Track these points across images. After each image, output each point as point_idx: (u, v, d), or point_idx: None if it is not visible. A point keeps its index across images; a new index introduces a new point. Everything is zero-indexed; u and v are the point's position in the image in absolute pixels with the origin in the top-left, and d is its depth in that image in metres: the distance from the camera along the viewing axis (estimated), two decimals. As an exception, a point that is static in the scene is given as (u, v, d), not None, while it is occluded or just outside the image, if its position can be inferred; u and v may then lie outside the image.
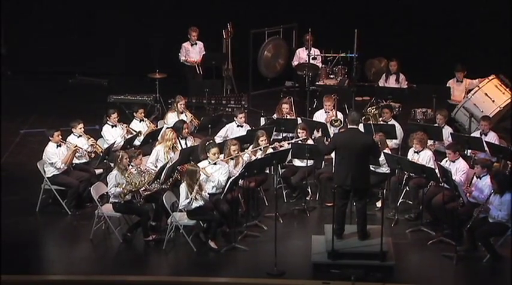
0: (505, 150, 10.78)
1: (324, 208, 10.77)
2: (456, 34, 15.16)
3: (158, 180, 10.15)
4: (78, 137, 11.04)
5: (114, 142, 11.22)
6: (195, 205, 9.74)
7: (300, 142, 10.81)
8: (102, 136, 11.55)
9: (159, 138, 11.08)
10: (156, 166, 10.52)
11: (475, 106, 12.35)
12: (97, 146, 11.07)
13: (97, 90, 15.39)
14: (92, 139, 11.09)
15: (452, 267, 9.34)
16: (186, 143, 11.10)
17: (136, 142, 11.38)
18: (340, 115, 12.09)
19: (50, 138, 10.76)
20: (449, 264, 9.38)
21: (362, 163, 9.36)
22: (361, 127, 10.93)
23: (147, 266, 9.69)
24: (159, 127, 11.81)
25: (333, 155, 10.02)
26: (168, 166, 10.20)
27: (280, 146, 10.83)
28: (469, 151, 11.09)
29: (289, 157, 10.78)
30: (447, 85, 12.95)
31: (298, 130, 11.02)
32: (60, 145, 10.75)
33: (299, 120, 11.82)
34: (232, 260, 9.64)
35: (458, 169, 10.09)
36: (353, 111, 10.13)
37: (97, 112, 12.97)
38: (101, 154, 10.91)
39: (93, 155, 11.08)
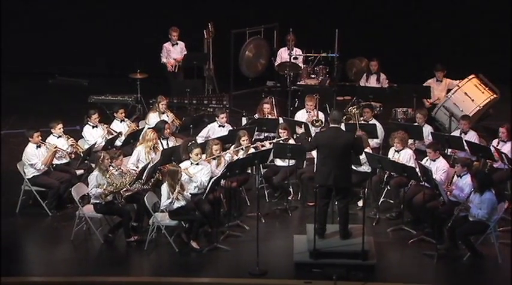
0: (484, 149, 10.87)
1: (306, 207, 10.79)
2: (436, 34, 15.26)
3: (140, 181, 10.12)
4: (57, 137, 10.97)
5: (95, 143, 11.16)
6: (176, 205, 9.72)
7: (281, 141, 10.83)
8: (82, 137, 11.49)
9: (140, 138, 11.04)
10: (137, 167, 10.49)
11: (455, 105, 12.43)
12: (77, 146, 11.01)
13: (77, 91, 15.30)
14: (72, 139, 11.03)
15: (433, 265, 9.40)
16: (167, 144, 11.07)
17: (118, 143, 11.33)
18: (321, 115, 12.12)
19: (30, 139, 10.69)
20: (430, 262, 9.43)
21: (344, 161, 9.38)
22: (342, 126, 10.96)
23: (129, 266, 9.66)
24: (140, 128, 11.77)
25: (314, 154, 10.06)
26: (149, 166, 10.17)
27: (262, 146, 10.84)
28: (449, 150, 11.16)
29: (271, 157, 10.79)
30: (425, 84, 13.03)
31: (280, 130, 11.03)
32: (40, 146, 10.68)
33: (280, 120, 11.84)
34: (214, 260, 9.63)
35: (438, 168, 10.15)
36: (334, 110, 10.17)
37: (78, 113, 12.90)
38: (82, 155, 10.85)
39: (73, 155, 11.01)
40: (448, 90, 12.87)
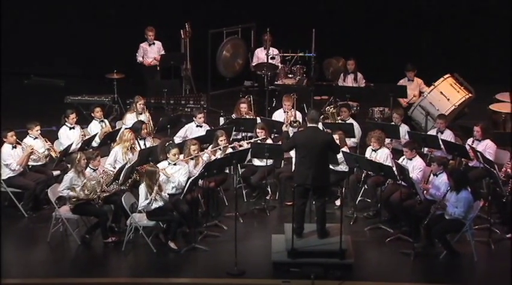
0: (460, 148, 10.96)
1: (284, 207, 10.82)
2: (412, 33, 15.35)
3: (117, 181, 10.07)
4: (34, 139, 10.89)
5: (72, 144, 11.07)
6: (154, 205, 9.69)
7: (259, 141, 10.84)
8: (58, 138, 11.41)
9: (117, 138, 10.98)
10: (114, 167, 10.44)
11: (431, 104, 12.53)
12: (53, 149, 10.91)
13: (53, 91, 15.19)
14: (49, 143, 10.92)
15: (409, 263, 9.47)
16: (145, 144, 11.03)
17: (94, 144, 11.25)
18: (299, 115, 12.16)
19: (4, 139, 10.59)
20: (407, 260, 9.50)
21: (322, 161, 9.41)
22: (320, 126, 11.00)
23: (106, 268, 9.61)
24: (117, 128, 11.71)
25: (292, 154, 10.09)
26: (126, 167, 10.13)
27: (240, 146, 10.84)
28: (426, 149, 11.25)
29: (249, 157, 10.80)
30: (398, 84, 13.12)
31: (257, 130, 11.05)
32: (15, 146, 10.59)
33: (258, 120, 11.86)
34: (193, 260, 9.62)
35: (415, 166, 10.23)
36: (312, 109, 10.21)
37: (54, 113, 12.80)
38: (57, 157, 10.75)
39: (49, 158, 10.91)
40: (420, 92, 12.99)
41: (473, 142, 10.97)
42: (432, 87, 12.63)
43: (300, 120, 11.99)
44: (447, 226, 9.56)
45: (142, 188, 9.71)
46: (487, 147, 10.81)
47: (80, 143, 11.07)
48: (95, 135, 11.33)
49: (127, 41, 14.71)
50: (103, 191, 9.92)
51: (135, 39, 14.31)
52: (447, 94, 12.56)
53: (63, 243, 9.98)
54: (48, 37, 15.82)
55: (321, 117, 12.03)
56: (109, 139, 11.26)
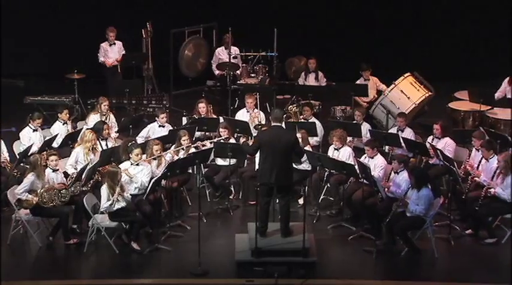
0: (420, 146, 11.11)
1: (247, 206, 10.83)
2: (371, 32, 15.49)
3: (79, 182, 9.97)
4: (-5, 141, 10.74)
5: (32, 145, 10.91)
6: (117, 206, 9.62)
7: (222, 141, 10.84)
8: (19, 138, 11.24)
9: (78, 139, 10.87)
10: (75, 168, 10.33)
11: (391, 103, 12.68)
12: (7, 163, 10.68)
13: (13, 91, 14.96)
14: (4, 156, 10.68)
15: (372, 261, 9.55)
16: (106, 145, 10.94)
17: (55, 144, 11.12)
18: (262, 115, 12.18)
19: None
20: (369, 258, 9.58)
21: (286, 160, 9.43)
22: (283, 125, 11.03)
23: (68, 269, 9.50)
24: (78, 129, 11.59)
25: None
26: (88, 167, 10.03)
27: (203, 145, 10.83)
28: (387, 147, 11.37)
29: (212, 156, 10.79)
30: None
31: (220, 129, 11.04)
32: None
33: (221, 119, 11.85)
34: (156, 261, 9.57)
35: (376, 165, 10.33)
36: (276, 108, 10.25)
37: (13, 114, 12.61)
38: (10, 169, 10.53)
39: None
40: (377, 90, 13.12)
41: (433, 140, 11.12)
42: (393, 85, 12.78)
43: (263, 121, 12.02)
44: (408, 223, 9.67)
45: (104, 189, 9.63)
46: (446, 145, 10.96)
47: (40, 145, 10.92)
48: (56, 136, 11.19)
49: (87, 41, 14.56)
50: (63, 197, 9.75)
51: (95, 38, 14.17)
52: (407, 92, 12.72)
53: (23, 245, 9.85)
54: (6, 36, 15.57)
55: (284, 116, 12.07)
56: (70, 140, 11.14)
